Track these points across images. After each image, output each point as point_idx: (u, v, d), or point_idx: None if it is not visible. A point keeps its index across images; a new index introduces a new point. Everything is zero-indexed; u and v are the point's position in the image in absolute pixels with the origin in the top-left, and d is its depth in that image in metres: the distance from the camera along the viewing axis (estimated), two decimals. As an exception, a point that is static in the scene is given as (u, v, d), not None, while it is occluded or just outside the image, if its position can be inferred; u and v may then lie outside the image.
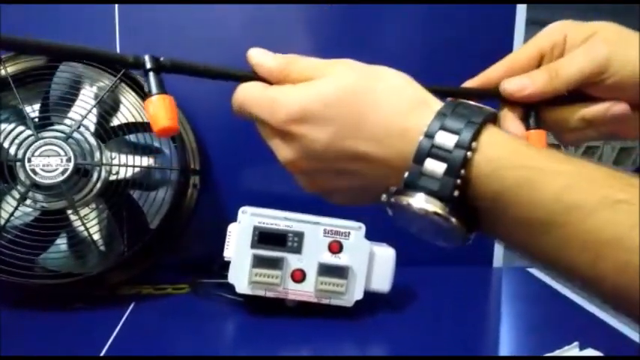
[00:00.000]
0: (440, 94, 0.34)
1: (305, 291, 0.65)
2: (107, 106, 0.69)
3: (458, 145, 0.28)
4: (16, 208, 0.65)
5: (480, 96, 0.35)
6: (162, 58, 0.36)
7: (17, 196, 0.65)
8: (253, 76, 0.35)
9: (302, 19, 0.85)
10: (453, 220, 0.29)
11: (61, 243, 0.67)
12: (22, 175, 0.65)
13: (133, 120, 0.69)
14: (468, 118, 0.29)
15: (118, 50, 0.82)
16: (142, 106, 0.70)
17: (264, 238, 0.65)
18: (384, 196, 0.31)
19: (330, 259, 0.65)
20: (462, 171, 0.28)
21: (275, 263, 0.64)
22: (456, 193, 0.29)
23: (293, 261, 0.65)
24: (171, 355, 0.57)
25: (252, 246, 0.65)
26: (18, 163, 0.65)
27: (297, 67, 0.34)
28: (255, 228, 0.65)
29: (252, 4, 0.83)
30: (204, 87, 0.85)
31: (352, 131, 0.31)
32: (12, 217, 0.65)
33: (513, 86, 0.35)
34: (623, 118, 0.35)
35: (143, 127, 0.70)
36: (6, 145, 0.65)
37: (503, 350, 0.64)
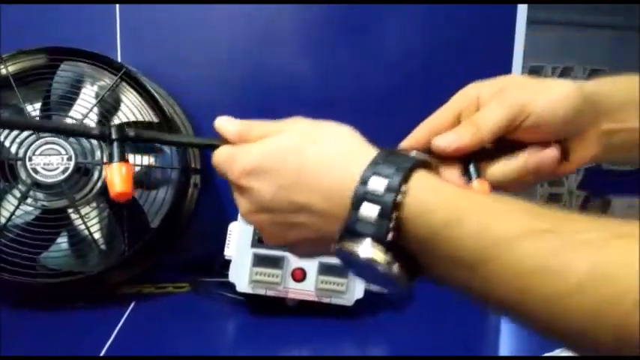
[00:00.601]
0: None
1: (305, 290, 0.65)
2: (108, 105, 0.69)
3: (388, 189, 0.30)
4: (17, 207, 0.65)
5: None
6: (126, 129, 0.40)
7: (18, 195, 0.65)
8: (216, 142, 0.39)
9: (302, 20, 0.85)
10: (395, 266, 0.30)
11: (62, 242, 0.67)
12: (23, 174, 0.65)
13: (134, 119, 0.69)
14: (399, 164, 0.31)
15: (118, 50, 0.82)
16: (143, 105, 0.70)
17: (265, 237, 0.65)
18: (332, 245, 0.33)
19: (331, 258, 0.65)
20: (394, 214, 0.30)
21: (275, 262, 0.64)
22: (390, 236, 0.30)
23: (293, 260, 0.65)
24: (172, 356, 0.57)
25: (253, 245, 0.65)
26: (19, 162, 0.65)
27: (255, 131, 0.38)
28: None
29: (253, 4, 0.83)
30: (205, 86, 0.86)
31: (293, 183, 0.34)
32: (13, 216, 0.65)
33: (443, 142, 0.37)
34: (546, 163, 0.37)
35: (144, 126, 0.70)
36: (7, 143, 0.65)
37: (504, 349, 0.65)
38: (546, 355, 0.53)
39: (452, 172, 0.39)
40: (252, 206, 0.36)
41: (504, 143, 0.38)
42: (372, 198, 0.30)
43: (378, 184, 0.30)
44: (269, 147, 0.36)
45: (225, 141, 0.39)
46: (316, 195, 0.33)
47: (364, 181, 0.31)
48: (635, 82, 0.39)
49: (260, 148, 0.36)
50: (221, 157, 0.38)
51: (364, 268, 0.31)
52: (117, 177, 0.38)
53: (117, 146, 0.39)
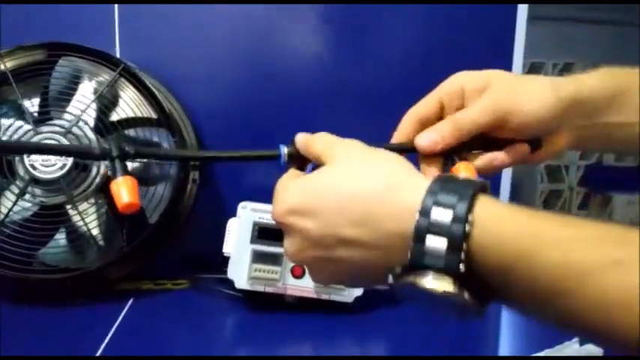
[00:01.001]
0: None
1: (305, 286, 0.65)
2: (106, 101, 0.69)
3: (455, 220, 0.29)
4: (15, 203, 0.64)
5: (402, 151, 0.39)
6: (126, 148, 0.42)
7: (16, 191, 0.65)
8: (215, 154, 0.44)
9: (302, 20, 0.85)
10: (466, 295, 0.30)
11: (60, 238, 0.67)
12: (21, 170, 0.65)
13: (133, 115, 0.69)
14: (460, 191, 0.30)
15: (117, 46, 0.81)
16: (142, 101, 0.70)
17: (264, 233, 0.65)
18: (390, 278, 0.32)
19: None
20: (464, 245, 0.29)
21: (275, 259, 0.64)
22: (462, 267, 0.29)
23: (292, 256, 0.65)
24: (171, 356, 0.57)
25: (252, 241, 0.64)
26: (17, 158, 0.65)
27: (315, 147, 0.39)
28: (255, 223, 0.65)
29: (252, 4, 0.83)
30: (204, 83, 0.85)
31: (338, 219, 0.33)
32: (11, 212, 0.64)
33: (425, 142, 0.40)
34: (517, 158, 0.41)
35: (142, 122, 0.69)
36: (5, 139, 0.65)
37: (503, 344, 0.64)
38: (547, 350, 0.53)
39: (431, 166, 0.41)
40: (297, 245, 0.36)
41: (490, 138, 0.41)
42: (438, 230, 0.29)
43: (442, 215, 0.30)
44: (310, 184, 0.35)
45: (219, 156, 0.42)
46: (366, 229, 0.33)
47: (426, 212, 0.30)
48: (607, 78, 0.41)
49: (302, 185, 0.36)
50: (276, 191, 0.38)
51: (430, 299, 0.30)
52: (124, 190, 0.40)
53: (118, 163, 0.41)
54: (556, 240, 0.28)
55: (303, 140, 0.40)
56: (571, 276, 0.27)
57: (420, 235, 0.30)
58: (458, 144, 0.40)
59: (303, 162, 0.41)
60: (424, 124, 0.43)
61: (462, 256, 0.29)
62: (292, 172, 0.40)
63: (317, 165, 0.39)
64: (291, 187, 0.36)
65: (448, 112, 0.43)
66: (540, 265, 0.28)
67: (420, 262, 0.30)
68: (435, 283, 0.29)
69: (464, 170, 0.40)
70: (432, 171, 0.42)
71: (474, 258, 0.29)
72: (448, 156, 0.42)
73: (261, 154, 0.44)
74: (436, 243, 0.29)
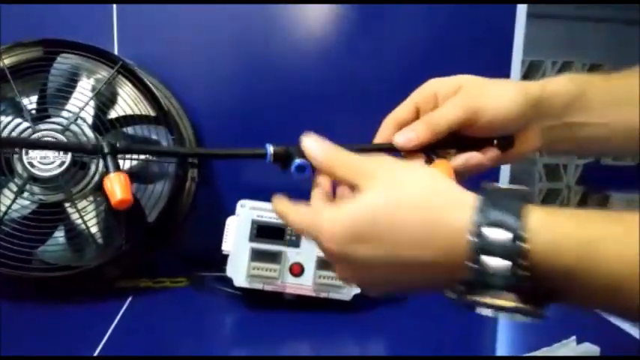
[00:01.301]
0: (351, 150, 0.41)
1: (303, 284, 0.65)
2: (104, 99, 0.69)
3: (512, 238, 0.30)
4: (13, 201, 0.64)
5: (383, 150, 0.43)
6: (117, 144, 0.43)
7: (15, 188, 0.65)
8: (201, 151, 0.42)
9: (301, 20, 0.85)
10: (529, 307, 0.31)
11: (59, 236, 0.67)
12: (19, 168, 0.65)
13: (131, 112, 0.69)
14: (508, 207, 0.31)
15: (115, 43, 0.81)
16: (140, 98, 0.70)
17: (263, 231, 0.65)
18: (452, 295, 0.33)
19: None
20: (524, 262, 0.30)
21: (273, 257, 0.64)
22: (526, 284, 0.30)
23: (291, 254, 0.65)
24: (170, 355, 0.57)
25: (251, 239, 0.65)
26: (15, 156, 0.65)
27: (339, 163, 0.38)
28: (254, 221, 0.65)
29: (252, 4, 0.83)
30: (202, 80, 0.85)
31: (391, 242, 0.33)
32: (9, 210, 0.64)
33: (402, 139, 0.42)
34: (488, 160, 0.43)
35: (141, 119, 0.69)
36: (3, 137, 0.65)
37: (501, 343, 0.65)
38: (544, 349, 0.53)
39: (417, 156, 0.43)
40: (351, 272, 0.36)
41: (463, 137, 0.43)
42: (496, 250, 0.30)
43: (497, 235, 0.30)
44: (356, 211, 0.34)
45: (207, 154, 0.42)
46: (419, 249, 0.33)
47: (478, 233, 0.30)
48: (570, 81, 0.44)
49: (347, 213, 0.35)
50: (303, 222, 0.38)
51: (494, 310, 0.31)
52: (117, 186, 0.40)
53: (110, 159, 0.42)
54: (609, 241, 0.29)
55: (327, 163, 0.39)
56: (630, 269, 0.28)
57: (474, 256, 0.30)
58: (434, 141, 0.43)
59: (288, 161, 0.42)
60: (402, 127, 0.45)
61: (525, 273, 0.30)
62: (318, 197, 0.40)
63: (301, 165, 0.40)
64: (338, 216, 0.35)
65: (423, 115, 0.45)
66: (599, 265, 0.29)
67: (481, 281, 0.31)
68: (499, 300, 0.31)
69: (440, 167, 0.42)
70: (418, 157, 0.44)
71: (534, 271, 0.30)
72: (427, 155, 0.44)
73: (247, 153, 0.45)
74: (496, 264, 0.30)
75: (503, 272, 0.30)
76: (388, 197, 0.34)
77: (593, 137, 0.44)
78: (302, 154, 0.41)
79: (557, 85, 0.44)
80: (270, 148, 0.42)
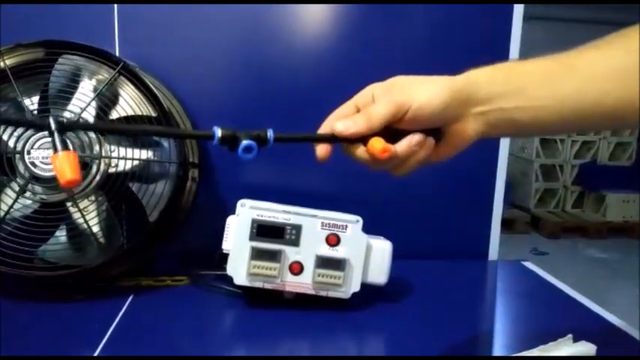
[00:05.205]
0: (293, 141, 0.48)
1: (303, 283, 0.66)
2: (106, 99, 0.69)
3: None
4: (15, 201, 0.65)
5: (325, 140, 0.47)
6: (64, 121, 0.43)
7: (17, 188, 0.65)
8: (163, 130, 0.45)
9: (302, 20, 0.86)
10: None
11: (61, 235, 0.67)
12: (21, 168, 0.65)
13: (132, 113, 0.70)
14: None
15: (116, 44, 0.82)
16: (141, 99, 0.70)
17: (263, 230, 0.65)
18: None
19: (328, 251, 0.66)
20: None
21: (273, 256, 0.65)
22: None
23: (291, 253, 0.65)
24: (169, 355, 0.58)
25: (251, 238, 0.65)
26: (17, 156, 0.65)
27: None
28: (254, 221, 0.65)
29: (252, 3, 0.83)
30: (203, 81, 0.86)
31: None
32: (11, 209, 0.65)
33: (341, 127, 0.46)
34: (422, 145, 0.47)
35: (142, 120, 0.70)
36: (5, 137, 0.65)
37: (498, 341, 0.65)
38: (540, 347, 0.53)
39: (356, 145, 0.47)
40: None
41: (399, 131, 0.47)
42: None
43: None
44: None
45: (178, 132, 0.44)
46: None
47: None
48: (496, 69, 0.48)
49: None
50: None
51: None
52: (66, 165, 0.39)
53: (58, 136, 0.40)
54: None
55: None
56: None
57: None
58: (370, 133, 0.46)
59: (236, 143, 0.43)
60: None
61: None
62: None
63: (248, 146, 0.43)
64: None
65: None
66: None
67: None
68: None
69: (375, 142, 0.45)
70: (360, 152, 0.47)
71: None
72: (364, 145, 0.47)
73: (195, 134, 0.48)
74: None
75: None
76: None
77: (537, 120, 0.47)
78: (250, 137, 0.43)
79: (482, 75, 0.47)
80: (218, 131, 0.43)
